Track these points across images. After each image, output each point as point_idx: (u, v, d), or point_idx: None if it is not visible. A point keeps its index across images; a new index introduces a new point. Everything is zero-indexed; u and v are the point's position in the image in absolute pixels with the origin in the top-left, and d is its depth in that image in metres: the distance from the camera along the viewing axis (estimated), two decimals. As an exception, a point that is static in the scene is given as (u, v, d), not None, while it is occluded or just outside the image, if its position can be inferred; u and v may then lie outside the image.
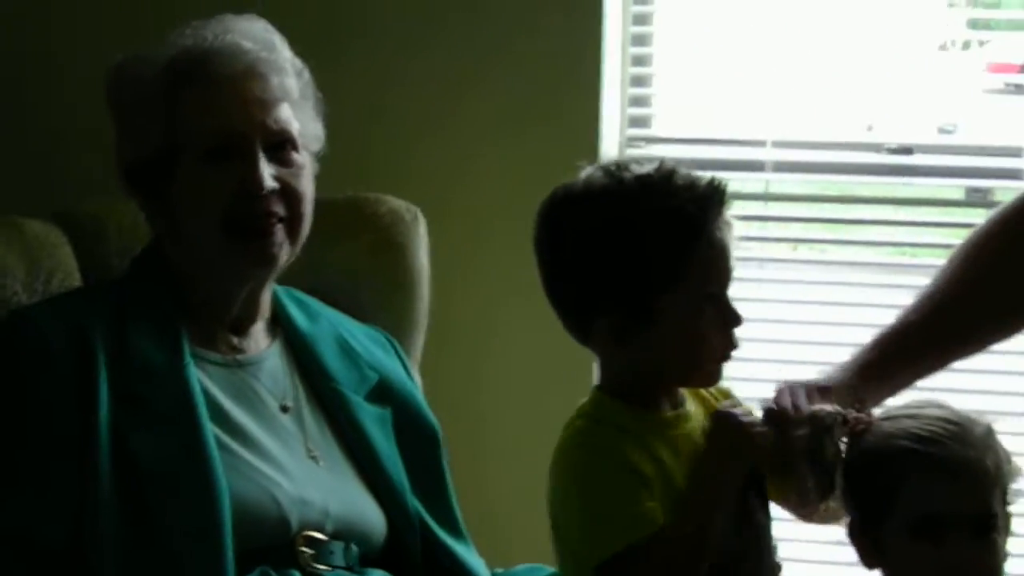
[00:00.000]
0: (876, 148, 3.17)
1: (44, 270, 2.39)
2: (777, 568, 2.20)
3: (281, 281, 2.36)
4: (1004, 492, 2.07)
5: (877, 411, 2.17)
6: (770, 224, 3.24)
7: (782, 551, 2.22)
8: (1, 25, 3.17)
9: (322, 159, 2.34)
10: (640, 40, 3.19)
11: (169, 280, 2.28)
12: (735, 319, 2.10)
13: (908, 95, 3.23)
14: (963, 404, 2.15)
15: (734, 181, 3.05)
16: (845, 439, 2.14)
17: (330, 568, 2.19)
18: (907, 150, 3.14)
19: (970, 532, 2.04)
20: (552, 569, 2.24)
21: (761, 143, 3.15)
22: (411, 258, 2.68)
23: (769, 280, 3.19)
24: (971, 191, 3.20)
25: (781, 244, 3.31)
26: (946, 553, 2.03)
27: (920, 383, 2.39)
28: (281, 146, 2.24)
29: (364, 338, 2.46)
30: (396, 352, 2.51)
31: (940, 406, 2.12)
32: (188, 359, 2.19)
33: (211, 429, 2.14)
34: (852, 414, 2.13)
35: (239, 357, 2.29)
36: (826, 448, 2.12)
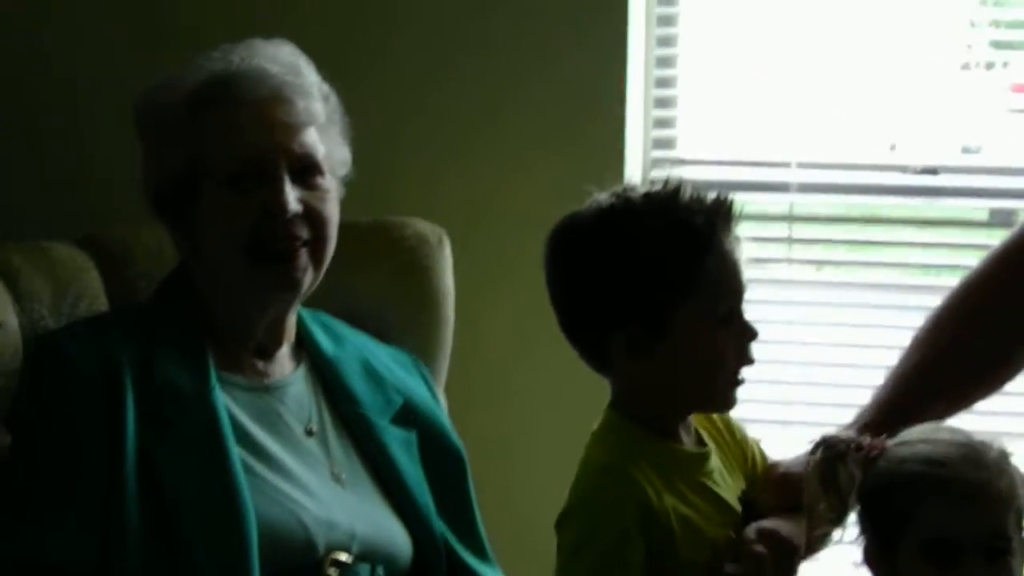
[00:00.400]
0: (901, 169, 3.17)
1: (71, 294, 2.38)
2: None
3: (307, 304, 2.36)
4: (1018, 515, 2.05)
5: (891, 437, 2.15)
6: (795, 245, 3.22)
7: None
8: (30, 51, 3.18)
9: (348, 182, 2.34)
10: (664, 62, 3.19)
11: (195, 304, 2.28)
12: (750, 333, 2.11)
13: (932, 116, 3.22)
14: (977, 426, 2.14)
15: (758, 202, 3.10)
16: (860, 465, 2.12)
17: (355, 590, 2.18)
18: (932, 171, 3.13)
19: (984, 555, 2.03)
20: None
21: (786, 164, 3.15)
22: (437, 281, 2.68)
23: (793, 302, 3.18)
24: (995, 212, 3.19)
25: (805, 265, 3.29)
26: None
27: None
28: (306, 170, 2.23)
29: (389, 360, 2.46)
30: (421, 374, 2.51)
31: (953, 430, 2.12)
32: (214, 383, 2.19)
33: (237, 452, 2.14)
34: (866, 440, 2.12)
35: (265, 381, 2.28)
36: (840, 474, 2.12)
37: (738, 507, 2.20)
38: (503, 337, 3.04)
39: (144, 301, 2.36)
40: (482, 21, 3.09)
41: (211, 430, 2.14)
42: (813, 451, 2.15)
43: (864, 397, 3.05)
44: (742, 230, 2.14)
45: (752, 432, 2.33)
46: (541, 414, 3.05)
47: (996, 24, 3.24)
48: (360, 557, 2.20)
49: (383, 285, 2.61)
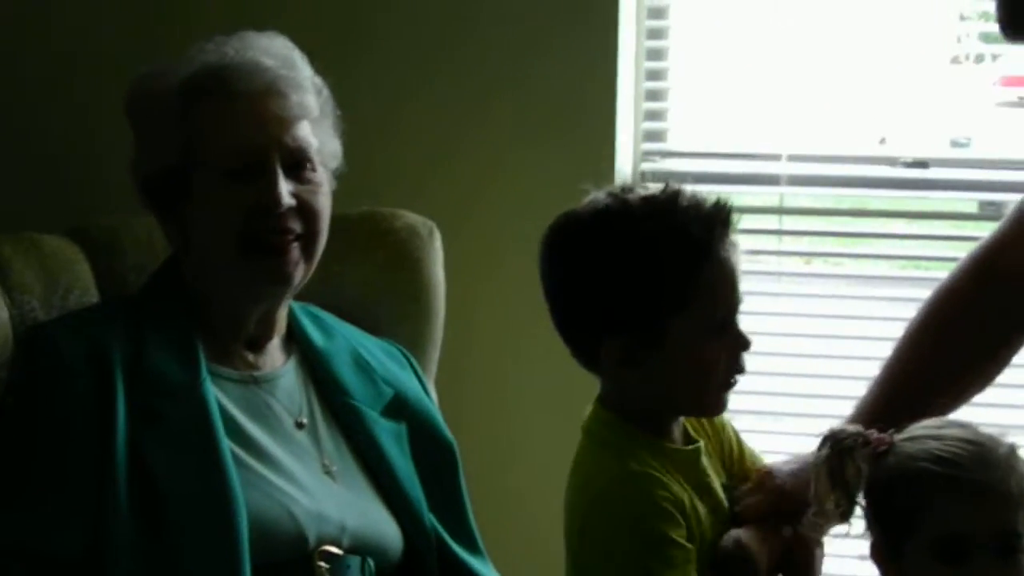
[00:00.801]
0: (891, 162, 3.16)
1: (61, 286, 2.37)
2: None
3: (297, 296, 2.35)
4: None
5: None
6: (785, 238, 3.23)
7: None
8: (21, 42, 3.17)
9: (340, 175, 2.33)
10: (655, 55, 3.18)
11: (186, 296, 2.27)
12: (744, 343, 2.10)
13: (921, 109, 3.21)
14: (986, 419, 2.14)
15: (749, 195, 3.10)
16: (867, 459, 2.12)
17: (345, 583, 2.18)
18: (922, 164, 3.12)
19: (994, 553, 2.02)
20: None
21: (776, 157, 3.14)
22: (427, 273, 2.67)
23: (784, 294, 3.18)
24: (984, 204, 3.18)
25: (795, 258, 3.29)
26: (970, 574, 2.02)
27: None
28: (299, 164, 2.23)
29: (380, 353, 2.45)
30: (412, 367, 2.50)
31: (962, 426, 2.10)
32: (205, 375, 2.18)
33: (228, 445, 2.13)
34: (874, 435, 2.11)
35: (255, 374, 2.28)
36: (847, 468, 2.11)
37: (724, 500, 2.20)
38: (494, 330, 3.04)
39: (135, 293, 2.35)
40: (473, 13, 3.08)
41: (201, 422, 2.13)
42: (821, 445, 2.14)
43: (853, 388, 3.05)
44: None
45: (741, 423, 2.34)
46: (533, 407, 3.04)
47: (985, 17, 3.23)
48: (350, 550, 2.19)
49: (373, 277, 2.60)
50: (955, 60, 3.28)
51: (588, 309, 2.09)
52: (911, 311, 3.16)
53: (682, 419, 2.19)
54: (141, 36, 3.07)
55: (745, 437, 2.32)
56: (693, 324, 2.05)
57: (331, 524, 2.18)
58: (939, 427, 2.10)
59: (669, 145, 3.20)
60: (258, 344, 2.30)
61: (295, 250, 2.22)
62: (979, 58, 3.27)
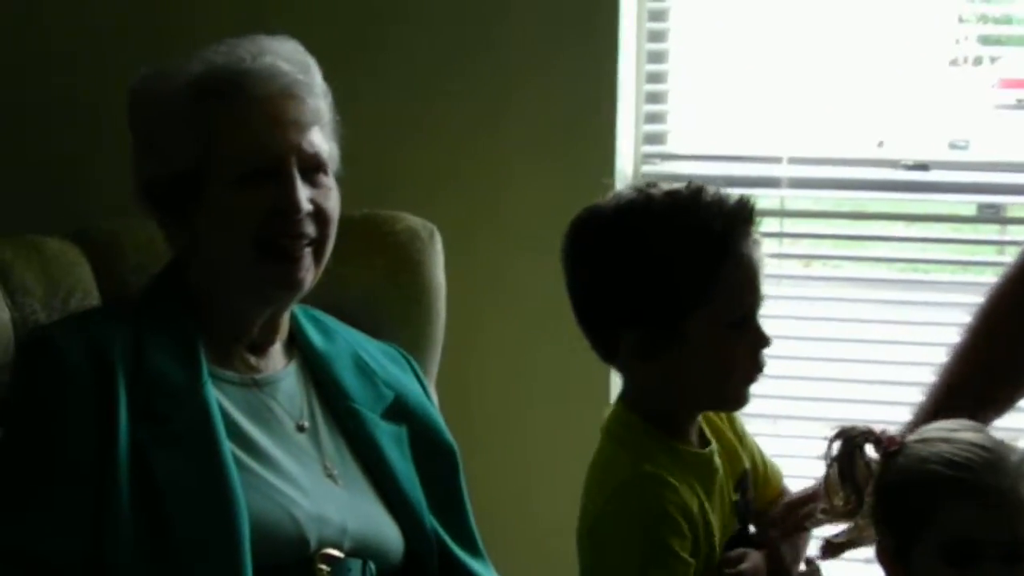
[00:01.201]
0: (892, 164, 3.16)
1: (62, 288, 2.38)
2: None
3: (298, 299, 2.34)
4: None
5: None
6: (785, 241, 3.22)
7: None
8: (23, 46, 3.16)
9: (344, 178, 2.31)
10: (656, 57, 3.18)
11: (188, 298, 2.26)
12: (764, 341, 2.10)
13: (920, 111, 3.21)
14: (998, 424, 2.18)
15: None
16: (877, 458, 2.12)
17: (346, 586, 2.17)
18: (923, 166, 3.12)
19: (1001, 559, 2.02)
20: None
21: (777, 160, 3.14)
22: (428, 275, 2.66)
23: (785, 297, 3.15)
24: (983, 207, 3.18)
25: (796, 261, 3.28)
26: None
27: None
28: (314, 169, 2.22)
29: (380, 355, 2.44)
30: (413, 369, 2.49)
31: (975, 430, 2.10)
32: (206, 378, 2.17)
33: (229, 447, 2.12)
34: (885, 434, 2.11)
35: (256, 376, 2.27)
36: (857, 466, 2.11)
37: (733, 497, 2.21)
38: (499, 333, 3.03)
39: (136, 295, 2.33)
40: (475, 18, 3.07)
41: (203, 425, 2.12)
42: (831, 442, 2.14)
43: (854, 391, 3.06)
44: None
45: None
46: (536, 410, 3.03)
47: (984, 19, 3.23)
48: (352, 552, 2.18)
49: (374, 279, 2.59)
50: (954, 62, 3.28)
51: (609, 302, 2.10)
52: (911, 314, 3.17)
53: (699, 421, 2.19)
54: (146, 38, 3.06)
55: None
56: (713, 319, 2.05)
57: (332, 527, 2.17)
58: (952, 430, 2.10)
59: (669, 148, 3.20)
60: (260, 347, 2.29)
61: (307, 255, 2.21)
62: (978, 60, 3.27)
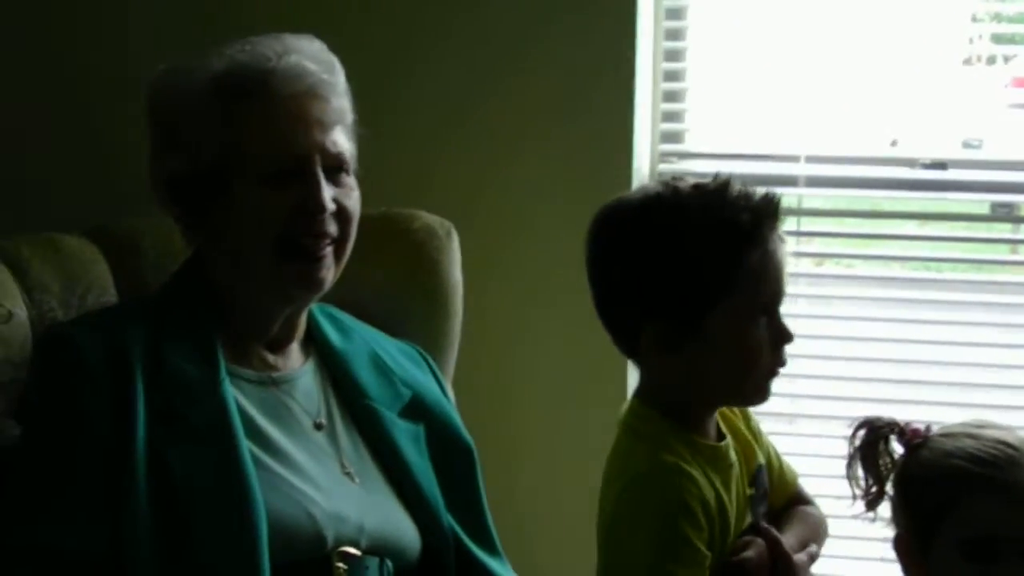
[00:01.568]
0: (909, 163, 3.14)
1: (80, 286, 2.37)
2: None
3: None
4: None
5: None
6: (802, 239, 3.21)
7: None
8: (42, 39, 3.15)
9: (366, 178, 2.31)
10: (673, 56, 3.16)
11: (207, 296, 2.25)
12: (786, 336, 2.11)
13: (933, 110, 3.20)
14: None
15: None
16: (900, 450, 2.14)
17: (364, 584, 2.16)
18: (941, 165, 3.11)
19: (1020, 556, 2.02)
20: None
21: (794, 158, 3.12)
22: (444, 273, 2.66)
23: (801, 295, 3.15)
24: (996, 206, 3.16)
25: (811, 259, 3.27)
26: (998, 573, 2.03)
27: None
28: (338, 168, 2.22)
29: (398, 354, 2.43)
30: (430, 367, 2.49)
31: (999, 427, 2.11)
32: (224, 375, 2.16)
33: (247, 445, 2.11)
34: (909, 426, 2.13)
35: (273, 375, 2.26)
36: (880, 456, 2.14)
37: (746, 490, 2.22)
38: (509, 331, 3.01)
39: (154, 292, 2.32)
40: (491, 14, 3.06)
41: (221, 423, 2.11)
42: (855, 431, 2.16)
43: (871, 390, 3.05)
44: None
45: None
46: (548, 406, 3.02)
47: (998, 18, 3.21)
48: (369, 551, 2.17)
49: (391, 277, 2.59)
50: (967, 61, 3.26)
51: (637, 294, 2.11)
52: (925, 313, 3.16)
53: (716, 417, 2.20)
54: (164, 35, 3.05)
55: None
56: (737, 312, 2.07)
57: (349, 525, 2.16)
58: (977, 426, 2.11)
59: (687, 146, 3.19)
60: (279, 345, 2.28)
61: (329, 254, 2.21)
62: (991, 60, 3.25)
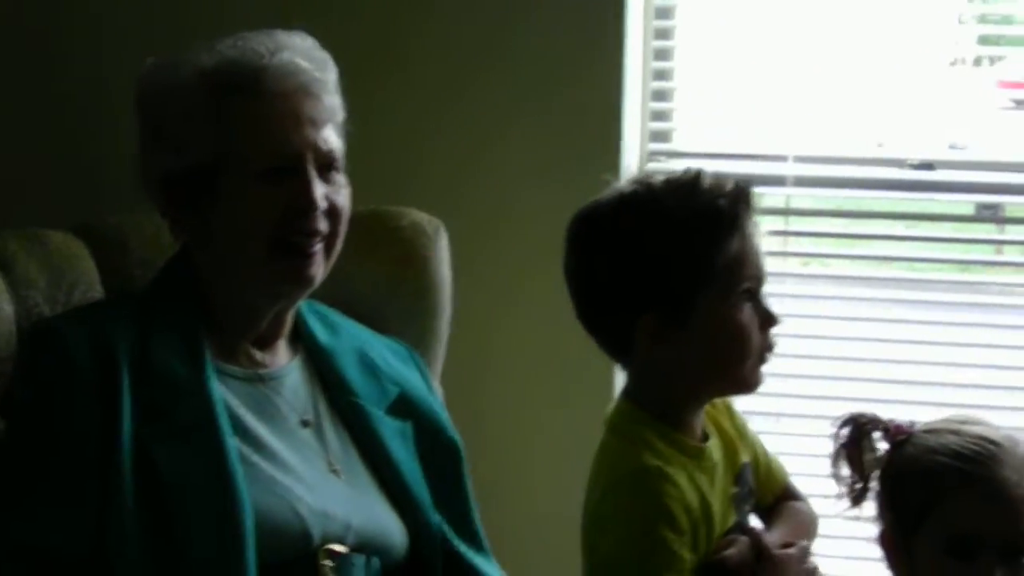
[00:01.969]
0: (896, 164, 3.15)
1: (66, 282, 2.35)
2: None
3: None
4: None
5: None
6: (790, 239, 3.22)
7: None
8: (25, 35, 3.14)
9: (355, 175, 2.30)
10: (662, 55, 3.17)
11: (194, 292, 2.23)
12: (771, 319, 2.14)
13: (920, 111, 3.22)
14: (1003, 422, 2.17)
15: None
16: (884, 447, 2.15)
17: (350, 581, 2.16)
18: (927, 166, 3.12)
19: (1003, 553, 2.04)
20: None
21: (783, 158, 3.14)
22: (433, 271, 2.64)
23: (789, 295, 3.16)
24: (981, 207, 3.18)
25: (799, 259, 3.28)
26: (975, 572, 2.04)
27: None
28: (329, 166, 2.21)
29: (385, 351, 2.42)
30: (417, 365, 2.48)
31: (983, 423, 2.12)
32: (210, 372, 2.15)
33: (233, 442, 2.10)
34: (893, 422, 2.14)
35: (260, 371, 2.25)
36: (864, 453, 2.14)
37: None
38: (506, 331, 3.02)
39: (141, 288, 2.31)
40: (483, 16, 3.05)
41: (207, 419, 2.10)
42: (839, 428, 2.17)
43: (857, 390, 3.05)
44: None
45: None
46: (540, 407, 3.02)
47: (983, 20, 3.22)
48: (356, 548, 2.16)
49: (379, 274, 2.57)
50: (954, 63, 3.27)
51: (618, 291, 2.12)
52: (912, 313, 3.17)
53: (703, 416, 2.22)
54: (151, 33, 3.02)
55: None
56: (721, 298, 2.10)
57: (336, 522, 2.15)
58: (960, 422, 2.12)
59: (675, 146, 3.19)
60: (266, 342, 2.27)
61: (320, 252, 2.20)
62: (977, 61, 3.25)
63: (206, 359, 2.16)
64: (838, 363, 3.17)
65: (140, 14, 3.09)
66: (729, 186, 2.13)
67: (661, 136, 3.16)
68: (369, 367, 2.36)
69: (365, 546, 2.18)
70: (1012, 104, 3.35)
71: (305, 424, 2.24)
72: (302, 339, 2.33)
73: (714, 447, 2.21)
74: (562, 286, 2.19)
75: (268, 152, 2.16)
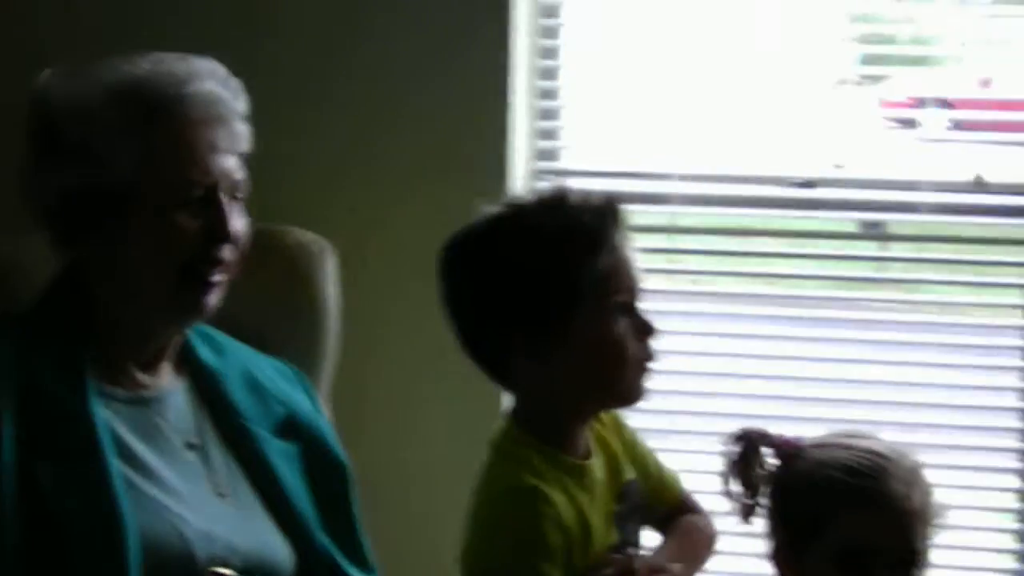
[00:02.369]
0: (780, 182, 3.19)
1: None
2: None
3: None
4: (926, 528, 2.10)
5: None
6: (676, 256, 3.26)
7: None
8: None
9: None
10: (547, 74, 3.17)
11: (79, 313, 2.20)
12: (648, 329, 2.15)
13: (804, 131, 3.26)
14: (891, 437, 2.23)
15: (641, 214, 3.08)
16: (775, 462, 2.18)
17: (238, 605, 2.16)
18: (811, 184, 3.15)
19: (892, 567, 2.07)
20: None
21: (668, 176, 3.16)
22: (317, 290, 2.65)
23: (674, 313, 3.17)
24: (864, 224, 3.22)
25: (686, 276, 3.30)
26: None
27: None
28: (235, 194, 2.20)
29: (272, 372, 2.41)
30: (303, 386, 2.47)
31: (871, 438, 2.16)
32: (92, 395, 2.12)
33: (117, 466, 2.08)
34: (782, 438, 2.17)
35: (143, 394, 2.22)
36: (753, 468, 2.17)
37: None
38: (393, 350, 3.01)
39: (23, 308, 2.25)
40: (367, 35, 3.04)
41: (89, 444, 2.08)
42: (730, 443, 2.20)
43: (739, 406, 3.08)
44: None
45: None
46: (428, 426, 3.02)
47: (866, 40, 3.26)
48: (242, 570, 2.15)
49: (262, 293, 2.54)
50: (838, 82, 3.30)
51: (494, 313, 2.15)
52: (796, 330, 3.21)
53: (588, 434, 2.23)
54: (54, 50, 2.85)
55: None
56: (595, 312, 2.11)
57: (221, 544, 2.14)
58: (849, 437, 2.16)
59: (563, 164, 3.19)
60: (150, 364, 2.24)
61: (221, 280, 2.19)
62: (861, 80, 3.29)
63: (87, 382, 2.13)
64: (725, 380, 3.20)
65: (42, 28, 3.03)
66: (596, 202, 2.15)
67: (548, 155, 3.17)
68: (256, 388, 2.34)
69: (252, 568, 2.16)
70: (894, 123, 3.38)
71: (191, 447, 2.22)
72: (188, 362, 2.30)
73: (597, 465, 2.22)
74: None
75: (187, 180, 2.13)
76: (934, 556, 2.11)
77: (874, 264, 3.33)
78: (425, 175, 3.01)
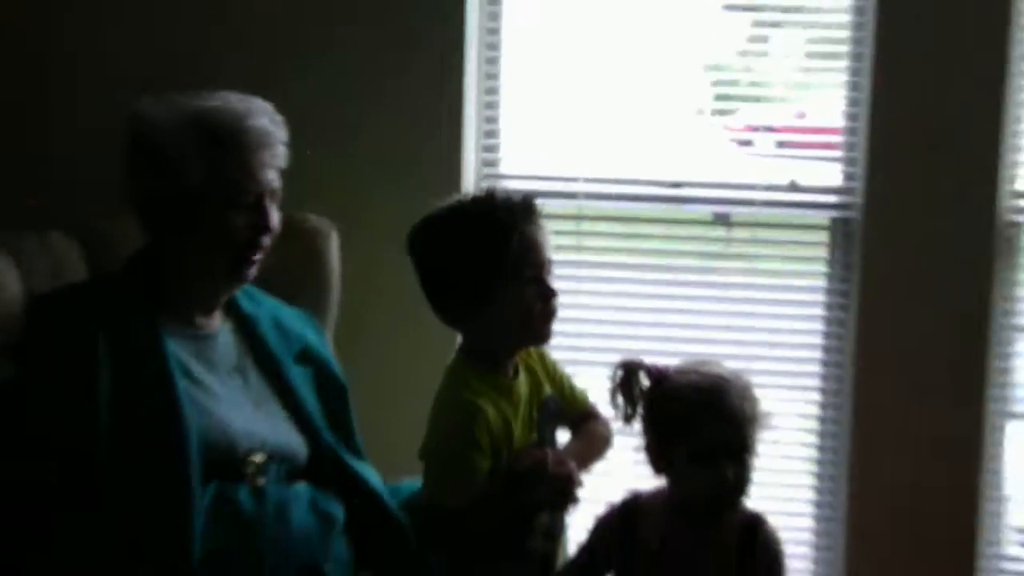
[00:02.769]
0: (656, 183, 3.13)
1: (62, 273, 2.32)
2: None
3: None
4: (755, 427, 2.10)
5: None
6: (582, 238, 3.18)
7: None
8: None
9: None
10: (491, 90, 3.09)
11: (152, 279, 2.20)
12: (550, 292, 2.13)
13: (674, 145, 3.19)
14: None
15: (554, 206, 3.03)
16: (648, 383, 2.15)
17: (265, 480, 2.16)
18: (678, 184, 3.11)
19: (731, 456, 2.07)
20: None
21: (575, 179, 3.11)
22: (326, 262, 2.63)
23: (583, 278, 3.14)
24: (716, 215, 3.18)
25: (590, 252, 3.23)
26: (717, 471, 2.07)
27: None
28: (274, 198, 2.21)
29: (292, 317, 2.41)
30: (315, 327, 2.46)
31: (718, 366, 2.15)
32: (164, 335, 2.14)
33: (183, 385, 2.10)
34: (655, 366, 2.15)
35: (201, 332, 2.23)
36: (633, 387, 2.15)
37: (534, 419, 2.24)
38: (375, 307, 2.93)
39: (116, 271, 2.25)
40: (327, 43, 2.92)
41: (161, 368, 2.09)
42: (616, 370, 2.17)
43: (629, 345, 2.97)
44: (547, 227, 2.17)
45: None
46: (404, 357, 2.95)
47: (717, 83, 3.26)
48: (269, 458, 2.17)
49: (287, 264, 2.49)
50: (699, 112, 3.28)
51: (442, 281, 2.14)
52: (668, 290, 3.12)
53: (517, 361, 2.22)
54: (143, 69, 2.86)
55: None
56: (512, 282, 2.10)
57: (256, 439, 2.16)
58: (700, 365, 2.14)
59: (501, 170, 3.12)
60: (207, 312, 2.26)
61: (259, 259, 2.21)
62: (715, 111, 3.27)
63: (159, 325, 2.14)
64: (617, 326, 3.13)
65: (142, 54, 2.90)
66: (514, 199, 2.13)
67: (491, 162, 3.11)
68: (281, 328, 2.34)
69: (276, 456, 2.19)
70: (737, 143, 3.37)
71: (235, 370, 2.24)
72: (233, 309, 2.31)
73: (521, 383, 2.22)
74: (411, 280, 2.20)
75: (244, 190, 2.14)
76: (761, 448, 2.12)
77: (722, 243, 3.23)
78: (389, 178, 2.95)
